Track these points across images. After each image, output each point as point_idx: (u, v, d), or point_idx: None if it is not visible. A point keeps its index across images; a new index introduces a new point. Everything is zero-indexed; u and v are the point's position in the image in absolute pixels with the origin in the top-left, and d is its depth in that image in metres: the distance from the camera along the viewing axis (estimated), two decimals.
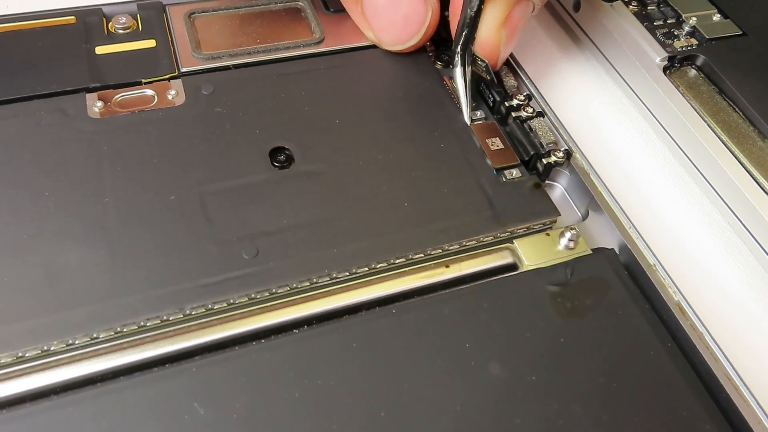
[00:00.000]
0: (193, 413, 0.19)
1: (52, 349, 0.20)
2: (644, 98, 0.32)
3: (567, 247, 0.24)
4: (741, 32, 0.32)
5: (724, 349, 0.21)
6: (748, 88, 0.30)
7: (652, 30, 0.32)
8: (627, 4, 0.33)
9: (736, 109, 0.30)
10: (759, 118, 0.29)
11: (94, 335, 0.20)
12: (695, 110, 0.29)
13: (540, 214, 0.25)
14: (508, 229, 0.24)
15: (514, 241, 0.24)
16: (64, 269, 0.21)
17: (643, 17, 0.33)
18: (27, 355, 0.19)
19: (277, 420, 0.19)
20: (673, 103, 0.30)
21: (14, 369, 0.19)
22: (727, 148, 0.28)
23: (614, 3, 0.33)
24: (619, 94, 0.33)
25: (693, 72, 0.31)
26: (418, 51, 0.30)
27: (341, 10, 0.31)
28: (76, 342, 0.20)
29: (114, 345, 0.20)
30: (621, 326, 0.22)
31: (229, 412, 0.19)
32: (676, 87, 0.30)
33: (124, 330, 0.20)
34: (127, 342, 0.20)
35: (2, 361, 0.19)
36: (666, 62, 0.31)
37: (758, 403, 0.20)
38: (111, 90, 0.26)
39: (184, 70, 0.27)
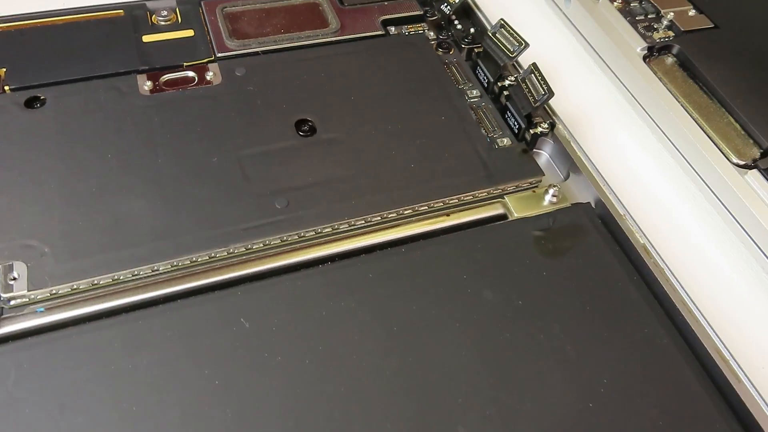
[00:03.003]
0: (240, 326, 0.23)
1: (121, 278, 0.24)
2: (626, 82, 0.36)
3: (551, 202, 0.28)
4: (713, 25, 0.36)
5: (681, 280, 0.25)
6: (717, 74, 0.34)
7: (634, 24, 0.36)
8: (612, 1, 0.37)
9: (706, 91, 0.33)
10: (725, 98, 0.32)
11: (155, 267, 0.24)
12: (671, 92, 0.33)
13: (527, 174, 0.29)
14: (500, 187, 0.28)
15: (504, 197, 0.28)
16: (128, 215, 0.25)
17: (626, 12, 0.37)
18: (101, 282, 0.24)
19: (307, 332, 0.23)
20: (651, 86, 0.34)
21: (91, 293, 0.23)
22: (698, 123, 0.32)
23: (600, 1, 0.37)
24: (604, 79, 0.37)
25: (670, 60, 0.35)
26: (422, 40, 0.34)
27: (354, 3, 0.35)
28: (141, 273, 0.24)
29: (172, 275, 0.24)
30: (594, 263, 0.26)
31: (269, 326, 0.23)
32: (654, 73, 0.34)
33: (180, 264, 0.24)
34: (182, 273, 0.24)
35: (82, 287, 0.23)
36: (646, 51, 0.35)
37: (708, 322, 0.24)
38: (158, 72, 0.31)
39: (219, 55, 0.32)
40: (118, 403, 0.21)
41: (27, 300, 0.23)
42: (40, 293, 0.23)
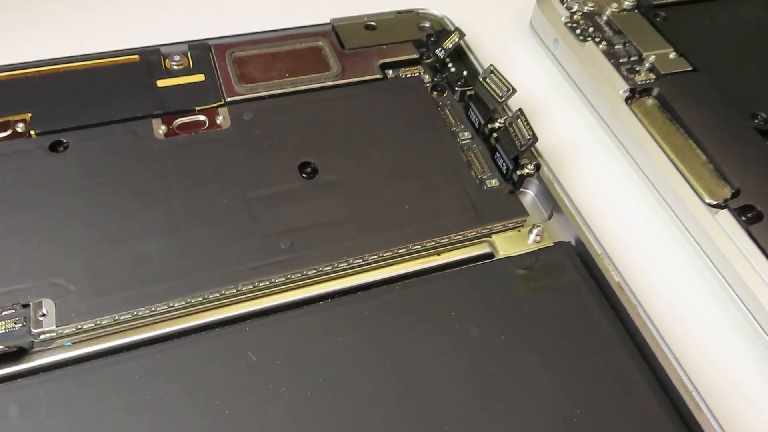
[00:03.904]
0: (248, 359, 0.25)
1: (139, 314, 0.26)
2: (609, 122, 0.38)
3: (534, 241, 0.30)
4: (692, 68, 0.39)
5: (652, 317, 0.28)
6: (694, 116, 0.36)
7: (617, 66, 0.39)
8: (597, 44, 0.40)
9: (683, 132, 0.36)
10: (700, 140, 0.35)
11: (171, 304, 0.26)
12: (650, 133, 0.36)
13: (513, 214, 0.31)
14: (488, 227, 0.30)
15: (492, 236, 0.30)
16: (145, 255, 0.27)
17: (611, 55, 0.39)
18: (122, 318, 0.26)
19: (310, 366, 0.25)
20: (632, 126, 0.36)
21: (113, 328, 0.26)
22: (674, 164, 0.34)
23: (587, 43, 0.40)
24: (589, 118, 0.40)
25: (650, 101, 0.38)
26: (418, 83, 0.36)
27: (354, 47, 0.38)
28: (158, 309, 0.26)
29: (185, 311, 0.27)
30: (573, 300, 0.28)
31: (274, 360, 0.25)
32: (635, 114, 0.37)
33: (193, 301, 0.27)
34: (195, 309, 0.27)
35: (104, 322, 0.26)
36: (628, 93, 0.37)
37: (675, 356, 0.26)
38: (171, 116, 0.33)
39: (228, 99, 0.34)
40: (139, 430, 0.23)
41: (55, 335, 0.25)
42: (67, 328, 0.25)
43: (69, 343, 0.25)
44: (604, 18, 0.41)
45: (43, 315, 0.25)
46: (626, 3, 0.42)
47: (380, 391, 0.25)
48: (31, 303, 0.26)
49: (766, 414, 0.28)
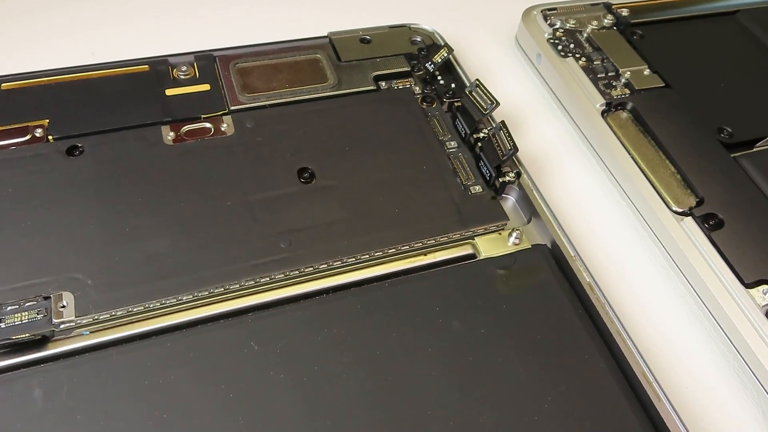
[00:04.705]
0: (250, 348, 0.27)
1: (151, 306, 0.29)
2: (586, 133, 0.41)
3: (514, 244, 0.33)
4: (664, 84, 0.41)
5: (620, 313, 0.30)
6: (664, 129, 0.39)
7: (595, 81, 0.41)
8: (577, 59, 0.42)
9: (654, 144, 0.38)
10: (669, 152, 0.37)
11: (179, 298, 0.29)
12: (623, 144, 0.38)
13: (494, 219, 0.33)
14: (471, 229, 0.33)
15: (474, 238, 0.33)
16: (156, 252, 0.30)
17: (589, 70, 0.42)
18: (135, 309, 0.28)
19: (306, 355, 0.28)
20: (607, 138, 0.39)
21: (126, 319, 0.28)
22: (644, 173, 0.37)
23: (567, 59, 0.42)
24: (568, 128, 0.42)
25: (624, 115, 0.40)
26: (409, 94, 0.39)
27: (350, 60, 0.40)
28: (167, 302, 0.29)
29: (193, 304, 0.29)
30: (547, 298, 0.31)
31: (274, 349, 0.28)
32: (610, 127, 0.39)
33: (199, 294, 0.29)
34: (202, 302, 0.29)
35: (119, 313, 0.28)
36: (604, 107, 0.40)
37: (638, 350, 0.29)
38: (179, 123, 0.35)
39: (232, 108, 0.36)
40: (152, 411, 0.26)
41: (74, 324, 0.28)
42: (85, 319, 0.28)
43: (87, 332, 0.28)
44: (585, 35, 0.44)
45: (63, 306, 0.28)
46: (605, 21, 0.45)
47: (370, 377, 0.27)
48: (51, 295, 0.28)
49: (720, 403, 0.30)
